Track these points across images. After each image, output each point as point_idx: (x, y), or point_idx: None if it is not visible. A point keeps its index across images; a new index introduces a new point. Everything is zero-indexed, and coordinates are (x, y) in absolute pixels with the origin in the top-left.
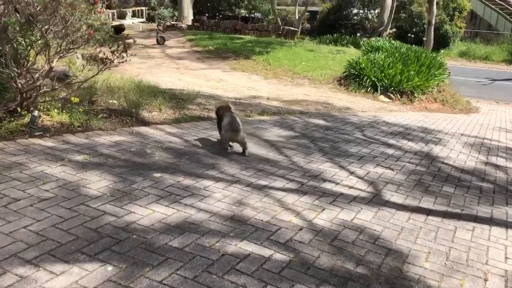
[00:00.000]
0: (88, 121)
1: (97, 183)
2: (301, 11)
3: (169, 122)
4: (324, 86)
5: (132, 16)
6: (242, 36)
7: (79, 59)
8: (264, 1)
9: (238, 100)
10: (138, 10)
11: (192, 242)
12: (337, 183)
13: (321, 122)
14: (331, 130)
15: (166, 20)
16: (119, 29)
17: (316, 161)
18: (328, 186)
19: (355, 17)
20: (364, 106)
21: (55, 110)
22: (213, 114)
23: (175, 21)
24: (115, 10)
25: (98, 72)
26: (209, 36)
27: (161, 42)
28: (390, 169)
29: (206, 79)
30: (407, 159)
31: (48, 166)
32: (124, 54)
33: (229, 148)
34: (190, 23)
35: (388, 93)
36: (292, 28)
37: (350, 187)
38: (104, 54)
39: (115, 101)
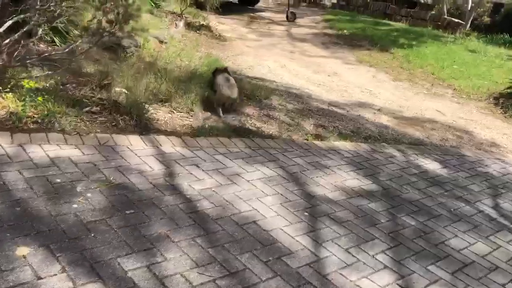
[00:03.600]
0: (48, 116)
1: None
2: (477, 1)
3: (184, 133)
4: (471, 103)
5: None
6: (391, 23)
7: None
8: None
9: (331, 107)
10: None
11: None
12: None
13: (432, 166)
14: (439, 186)
15: None
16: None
17: (365, 264)
18: None
19: None
20: None
21: (9, 94)
22: (267, 128)
23: None
24: None
25: (89, 48)
26: (350, 18)
27: (291, 18)
28: None
29: (316, 71)
30: None
31: None
32: (126, 26)
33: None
34: (336, 0)
35: None
36: (456, 20)
37: None
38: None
39: (124, 90)
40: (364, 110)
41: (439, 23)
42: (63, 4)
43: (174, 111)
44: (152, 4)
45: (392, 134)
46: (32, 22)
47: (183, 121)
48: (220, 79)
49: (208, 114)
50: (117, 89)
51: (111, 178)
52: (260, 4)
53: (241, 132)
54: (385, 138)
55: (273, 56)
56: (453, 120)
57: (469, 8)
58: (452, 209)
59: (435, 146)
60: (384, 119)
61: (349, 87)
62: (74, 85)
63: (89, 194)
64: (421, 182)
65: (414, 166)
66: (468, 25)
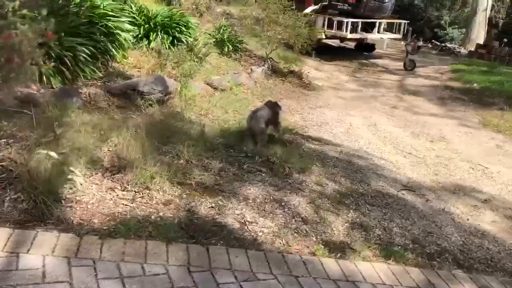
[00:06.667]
0: None
1: None
2: None
3: (96, 229)
4: None
5: (385, 30)
6: None
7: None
8: None
9: (402, 191)
10: (395, 23)
11: None
12: None
13: None
14: None
15: (450, 41)
16: (361, 45)
17: None
18: None
19: None
20: None
21: None
22: (260, 226)
23: (457, 45)
24: (359, 20)
25: None
26: (487, 69)
27: (409, 67)
28: None
29: (415, 133)
30: None
31: None
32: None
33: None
34: (473, 48)
35: None
36: None
37: None
38: None
39: (52, 153)
40: (459, 201)
41: None
42: None
43: (119, 187)
44: (229, 46)
45: (487, 251)
46: None
47: (118, 206)
48: (254, 109)
49: (170, 196)
50: (42, 151)
51: None
52: (378, 51)
53: (203, 231)
54: (468, 259)
55: (366, 110)
56: None
57: None
58: None
59: None
60: (487, 219)
61: (454, 160)
62: (12, 140)
63: None
64: None
65: None
66: None
